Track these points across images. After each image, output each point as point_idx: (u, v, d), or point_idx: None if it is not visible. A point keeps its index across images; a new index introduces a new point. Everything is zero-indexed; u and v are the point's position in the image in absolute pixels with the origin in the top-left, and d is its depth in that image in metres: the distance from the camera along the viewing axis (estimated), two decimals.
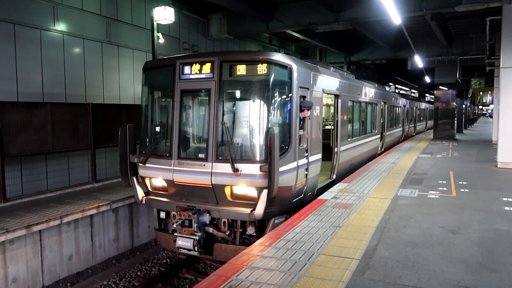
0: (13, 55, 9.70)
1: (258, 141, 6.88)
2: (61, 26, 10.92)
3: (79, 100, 11.31)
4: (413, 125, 27.80)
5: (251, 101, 7.13)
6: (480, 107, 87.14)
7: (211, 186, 6.92)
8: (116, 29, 12.76)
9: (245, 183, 6.73)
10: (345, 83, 10.84)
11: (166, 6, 12.03)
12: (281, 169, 6.64)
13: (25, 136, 9.08)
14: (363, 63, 25.77)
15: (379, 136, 15.95)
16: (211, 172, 6.87)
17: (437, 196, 8.29)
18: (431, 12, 14.14)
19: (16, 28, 9.75)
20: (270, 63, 6.84)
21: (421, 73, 27.95)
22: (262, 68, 6.81)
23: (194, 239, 6.97)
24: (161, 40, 13.22)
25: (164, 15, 11.91)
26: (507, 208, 7.30)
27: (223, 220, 7.17)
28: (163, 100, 8.14)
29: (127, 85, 13.27)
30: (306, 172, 7.78)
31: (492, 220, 6.55)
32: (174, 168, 7.20)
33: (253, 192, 6.80)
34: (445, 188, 9.07)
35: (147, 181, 7.88)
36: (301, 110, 7.45)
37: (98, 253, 9.13)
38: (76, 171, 10.89)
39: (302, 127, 7.60)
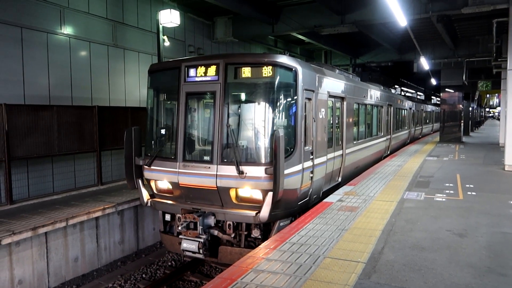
0: (20, 58, 9.79)
1: (263, 143, 6.87)
2: (67, 30, 11.00)
3: (85, 103, 11.38)
4: (419, 127, 27.65)
5: (256, 103, 7.12)
6: (487, 109, 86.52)
7: (216, 188, 6.91)
8: (122, 32, 12.83)
9: (250, 185, 6.71)
10: (351, 86, 10.81)
11: (172, 9, 12.08)
12: (286, 171, 6.62)
13: (32, 138, 9.14)
14: (368, 65, 25.71)
15: (385, 138, 15.87)
16: (216, 174, 6.86)
17: (443, 199, 8.22)
18: (437, 14, 14.06)
19: (23, 32, 9.84)
20: (275, 65, 6.83)
21: (427, 75, 27.83)
22: (267, 71, 6.81)
23: (199, 241, 6.95)
24: (167, 43, 13.28)
25: (170, 18, 11.97)
26: None
27: (228, 222, 7.16)
28: (169, 102, 8.16)
29: (132, 87, 13.33)
30: (311, 175, 7.76)
31: (500, 224, 6.47)
32: (179, 170, 7.20)
33: (258, 195, 6.78)
34: (452, 191, 8.99)
35: (152, 184, 7.89)
36: None
37: (104, 255, 9.15)
38: (82, 173, 10.94)
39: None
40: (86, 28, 11.57)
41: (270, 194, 6.46)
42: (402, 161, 14.11)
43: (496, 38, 15.57)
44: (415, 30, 17.17)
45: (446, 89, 23.96)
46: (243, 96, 7.41)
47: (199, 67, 7.24)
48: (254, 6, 14.78)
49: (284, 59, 7.00)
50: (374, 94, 13.88)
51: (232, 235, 7.14)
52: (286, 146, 6.71)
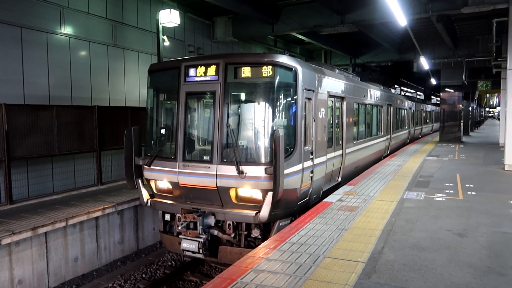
0: (20, 58, 9.78)
1: (263, 143, 6.86)
2: (67, 30, 11.00)
3: (85, 102, 11.37)
4: (419, 127, 27.66)
5: (256, 103, 7.12)
6: (487, 109, 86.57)
7: (216, 188, 6.91)
8: (122, 32, 12.83)
9: (250, 185, 6.71)
10: (351, 85, 10.81)
11: (172, 9, 12.07)
12: (286, 171, 6.62)
13: (32, 138, 9.13)
14: (368, 65, 25.71)
15: (384, 138, 15.87)
16: (216, 174, 6.86)
17: (443, 199, 8.22)
18: (437, 14, 14.06)
19: (23, 32, 9.83)
20: (275, 65, 6.83)
21: (427, 75, 27.83)
22: (267, 70, 6.81)
23: (199, 241, 6.95)
24: (167, 43, 13.27)
25: (170, 18, 11.96)
26: None
27: (228, 222, 7.16)
28: (168, 102, 8.16)
29: (132, 87, 13.32)
30: (311, 175, 7.76)
31: (500, 223, 6.47)
32: (179, 170, 7.20)
33: (258, 195, 6.78)
34: (451, 191, 8.99)
35: (152, 184, 7.89)
36: None
37: (103, 255, 9.15)
38: (81, 173, 10.94)
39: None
40: (86, 28, 11.57)
41: (270, 194, 6.46)
42: (402, 161, 14.11)
43: (496, 38, 15.57)
44: (415, 30, 17.17)
45: (446, 89, 23.96)
46: (243, 96, 7.41)
47: (199, 67, 7.24)
48: (254, 6, 14.78)
49: (284, 59, 7.00)
50: (374, 94, 13.88)
51: (232, 235, 7.14)
52: (286, 146, 6.71)
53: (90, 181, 11.03)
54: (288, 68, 7.03)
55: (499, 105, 49.13)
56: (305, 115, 7.53)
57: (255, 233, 7.11)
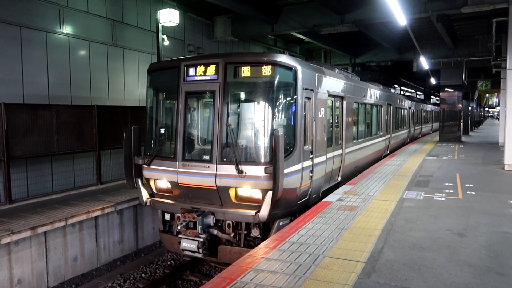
0: (19, 57, 9.77)
1: (263, 142, 6.86)
2: (66, 29, 10.99)
3: (85, 102, 11.36)
4: (419, 127, 27.65)
5: (256, 102, 7.12)
6: (487, 109, 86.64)
7: (215, 188, 6.90)
8: (121, 32, 12.82)
9: (249, 185, 6.70)
10: (350, 85, 10.80)
11: (171, 9, 12.05)
12: (285, 171, 6.61)
13: (31, 138, 9.12)
14: (368, 65, 25.71)
15: (384, 138, 15.87)
16: (216, 174, 6.86)
17: (443, 199, 8.22)
18: (436, 14, 14.07)
19: (22, 31, 9.82)
20: (275, 64, 6.82)
21: (427, 75, 27.84)
22: (266, 70, 6.80)
23: (198, 241, 6.95)
24: (166, 42, 13.26)
25: (169, 17, 11.94)
26: None
27: (227, 222, 7.15)
28: (168, 102, 8.15)
29: (132, 87, 13.31)
30: (311, 174, 7.75)
31: (499, 223, 6.47)
32: (179, 170, 7.19)
33: (257, 194, 6.77)
34: (451, 191, 8.99)
35: (151, 183, 7.88)
36: None
37: (103, 255, 9.14)
38: (81, 172, 10.93)
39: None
40: (85, 27, 11.55)
41: (270, 193, 6.45)
42: (401, 161, 14.11)
43: (495, 37, 15.58)
44: (414, 30, 17.17)
45: (446, 89, 23.97)
46: (242, 96, 7.41)
47: (199, 66, 7.23)
48: (254, 6, 14.77)
49: (283, 58, 7.00)
50: (373, 93, 13.87)
51: (232, 235, 7.13)
52: (285, 145, 6.71)
53: (90, 180, 11.02)
54: (288, 68, 7.03)
55: (498, 105, 49.18)
56: (305, 115, 7.52)
57: (255, 232, 7.10)
